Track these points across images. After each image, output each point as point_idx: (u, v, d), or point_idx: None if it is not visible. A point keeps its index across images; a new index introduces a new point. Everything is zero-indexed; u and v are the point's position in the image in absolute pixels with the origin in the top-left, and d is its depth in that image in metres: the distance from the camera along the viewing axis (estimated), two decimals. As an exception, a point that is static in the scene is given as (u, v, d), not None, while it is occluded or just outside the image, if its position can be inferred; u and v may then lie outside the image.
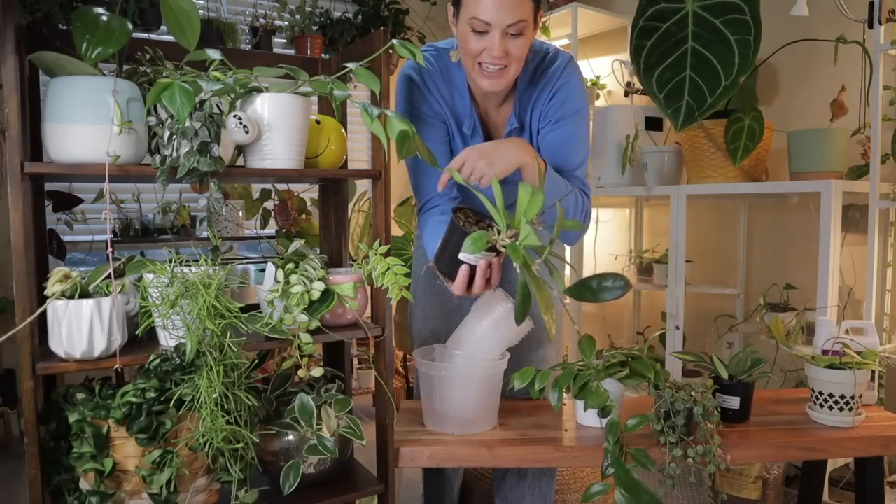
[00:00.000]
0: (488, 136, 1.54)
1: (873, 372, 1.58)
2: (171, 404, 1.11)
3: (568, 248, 3.06)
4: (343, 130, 1.43)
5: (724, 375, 1.50)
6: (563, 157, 1.47)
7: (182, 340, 1.14)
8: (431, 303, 1.70)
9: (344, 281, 1.32)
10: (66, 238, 2.48)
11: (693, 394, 1.36)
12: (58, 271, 1.12)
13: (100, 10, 1.12)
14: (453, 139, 1.54)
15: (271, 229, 2.91)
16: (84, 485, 1.14)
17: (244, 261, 2.83)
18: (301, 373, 1.28)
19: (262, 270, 1.34)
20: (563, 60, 1.47)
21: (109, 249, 1.12)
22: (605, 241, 3.31)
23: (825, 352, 1.55)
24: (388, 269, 1.27)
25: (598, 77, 3.33)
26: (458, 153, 1.54)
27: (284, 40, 3.25)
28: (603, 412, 1.35)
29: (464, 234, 1.18)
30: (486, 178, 1.28)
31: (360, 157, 3.45)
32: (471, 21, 1.30)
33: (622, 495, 1.31)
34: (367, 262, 1.32)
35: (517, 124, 1.49)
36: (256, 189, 2.92)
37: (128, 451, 1.12)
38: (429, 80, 1.48)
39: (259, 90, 1.23)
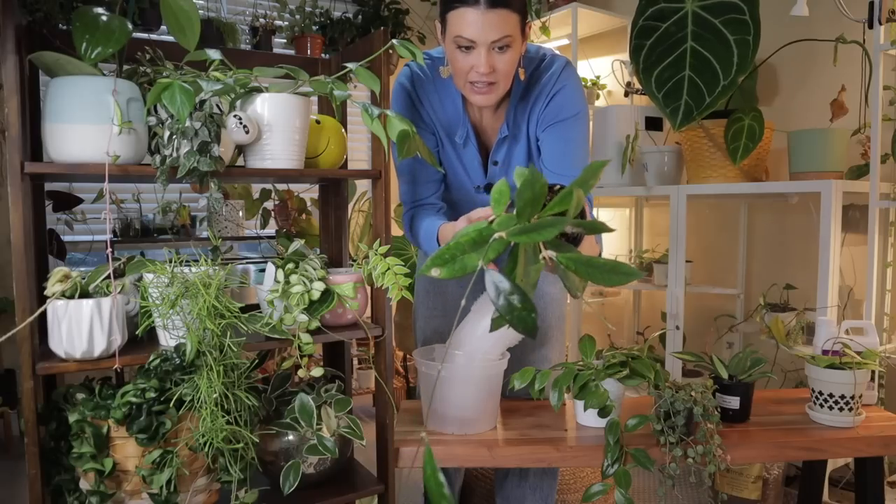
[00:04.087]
0: (482, 145, 1.53)
1: (873, 372, 1.58)
2: (171, 404, 1.11)
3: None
4: (343, 130, 1.43)
5: (724, 375, 1.50)
6: (562, 161, 1.45)
7: (182, 340, 1.14)
8: (434, 302, 1.70)
9: (344, 281, 1.32)
10: (66, 238, 2.48)
11: (693, 394, 1.36)
12: (58, 271, 1.12)
13: (100, 10, 1.12)
14: (443, 148, 1.53)
15: (271, 229, 2.91)
16: (84, 485, 1.14)
17: (244, 261, 2.83)
18: (301, 373, 1.28)
19: (262, 270, 1.34)
20: (560, 65, 1.45)
21: (109, 249, 1.12)
22: (606, 241, 3.30)
23: (825, 352, 1.55)
24: (388, 269, 1.27)
25: (598, 77, 3.34)
26: (450, 163, 1.53)
27: (284, 40, 3.25)
28: (603, 412, 1.35)
29: None
30: None
31: (360, 157, 3.45)
32: (456, 39, 1.30)
33: (622, 495, 1.31)
34: (367, 262, 1.32)
35: (508, 133, 1.48)
36: (256, 189, 2.92)
37: (128, 451, 1.12)
38: (420, 90, 1.48)
39: (259, 90, 1.23)
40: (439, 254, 0.80)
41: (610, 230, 0.90)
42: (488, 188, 1.55)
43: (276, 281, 1.26)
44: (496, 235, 0.85)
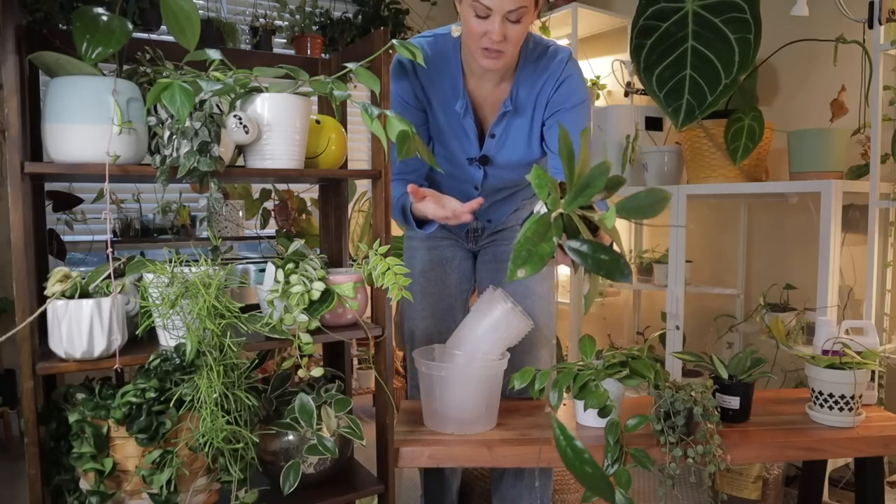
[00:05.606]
0: (477, 118, 1.57)
1: (873, 372, 1.58)
2: (171, 404, 1.11)
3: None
4: (343, 130, 1.43)
5: (724, 375, 1.50)
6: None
7: (182, 340, 1.14)
8: (423, 303, 1.71)
9: (344, 281, 1.32)
10: (66, 238, 2.48)
11: (693, 394, 1.36)
12: (58, 271, 1.12)
13: (100, 10, 1.12)
14: (436, 122, 1.56)
15: (271, 229, 2.91)
16: (84, 485, 1.14)
17: (244, 261, 2.83)
18: (301, 373, 1.28)
19: (262, 270, 1.34)
20: (566, 54, 1.54)
21: (109, 249, 1.12)
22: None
23: (825, 352, 1.55)
24: (388, 269, 1.27)
25: (598, 77, 3.33)
26: (445, 135, 1.57)
27: (284, 40, 3.25)
28: (603, 412, 1.35)
29: None
30: None
31: (360, 157, 3.45)
32: (473, 5, 1.34)
33: (622, 495, 1.31)
34: (367, 262, 1.32)
35: (511, 108, 1.53)
36: (256, 189, 2.92)
37: (128, 451, 1.12)
38: (418, 67, 1.52)
39: (259, 90, 1.23)
40: (516, 257, 0.96)
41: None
42: (483, 160, 1.59)
43: (276, 281, 1.26)
44: (555, 214, 1.01)
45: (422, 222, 1.49)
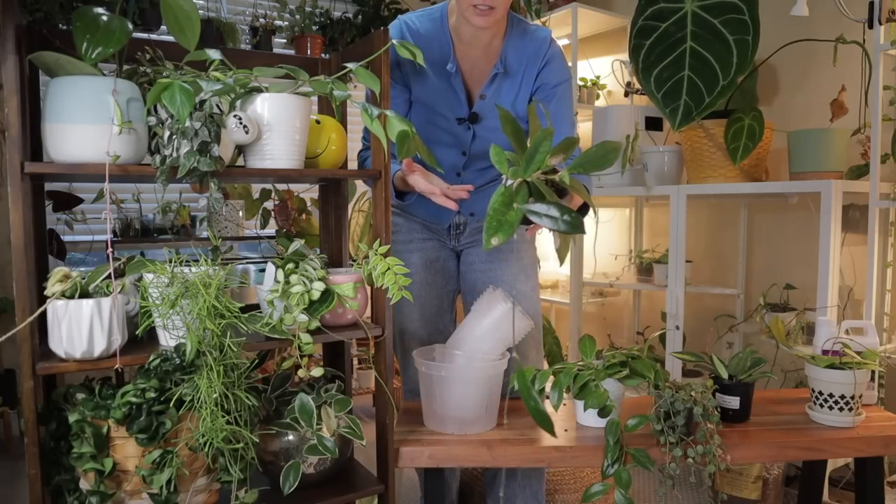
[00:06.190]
0: (466, 83, 1.64)
1: (873, 372, 1.58)
2: (171, 404, 1.11)
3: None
4: (343, 130, 1.43)
5: (724, 375, 1.50)
6: (561, 122, 1.65)
7: (182, 340, 1.14)
8: (413, 305, 1.72)
9: (344, 281, 1.32)
10: (66, 238, 2.48)
11: (693, 394, 1.36)
12: (58, 271, 1.12)
13: (100, 10, 1.12)
14: (431, 81, 1.62)
15: (271, 229, 2.91)
16: (84, 485, 1.14)
17: (244, 261, 2.83)
18: (301, 373, 1.28)
19: (262, 270, 1.34)
20: (549, 34, 1.65)
21: (109, 249, 1.12)
22: (605, 241, 3.31)
23: (825, 352, 1.55)
24: (388, 269, 1.27)
25: (598, 77, 3.33)
26: (436, 97, 1.64)
27: (284, 40, 3.25)
28: (603, 412, 1.35)
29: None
30: None
31: (360, 157, 3.45)
32: None
33: (622, 495, 1.31)
34: (367, 262, 1.32)
35: (502, 69, 1.61)
36: (256, 189, 2.92)
37: (128, 451, 1.12)
38: (408, 40, 1.58)
39: (259, 90, 1.23)
40: (488, 227, 1.05)
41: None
42: (472, 118, 1.65)
43: (276, 281, 1.26)
44: (516, 183, 1.10)
45: (402, 194, 1.58)
